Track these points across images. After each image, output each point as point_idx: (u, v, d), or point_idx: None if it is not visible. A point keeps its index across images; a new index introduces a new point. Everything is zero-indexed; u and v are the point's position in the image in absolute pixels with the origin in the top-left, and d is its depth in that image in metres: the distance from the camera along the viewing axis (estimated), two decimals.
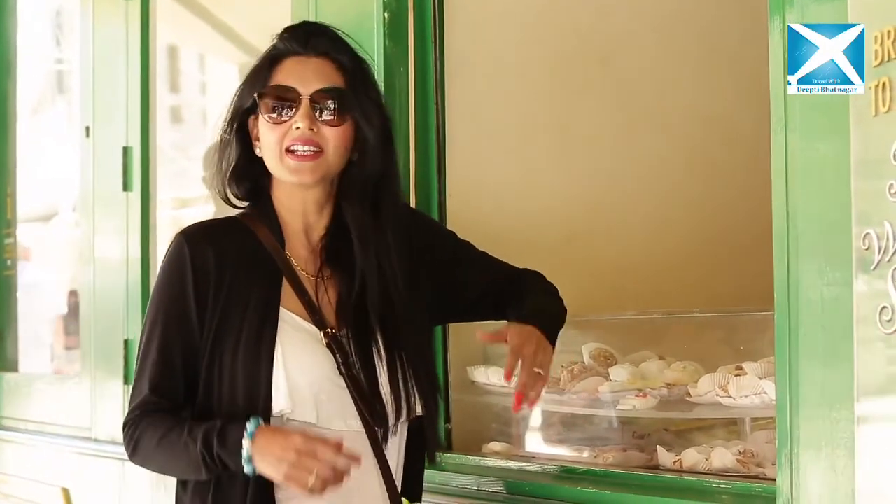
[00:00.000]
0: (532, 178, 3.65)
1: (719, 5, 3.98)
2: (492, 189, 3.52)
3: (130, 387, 4.23)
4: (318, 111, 2.43)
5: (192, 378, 2.44)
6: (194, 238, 2.46)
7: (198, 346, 2.42)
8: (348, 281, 2.49)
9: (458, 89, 3.39)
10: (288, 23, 3.44)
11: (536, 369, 2.49)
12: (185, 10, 5.00)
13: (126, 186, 4.46)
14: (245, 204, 2.57)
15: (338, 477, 2.28)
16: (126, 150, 4.46)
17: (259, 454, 2.30)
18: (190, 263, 2.43)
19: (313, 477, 2.26)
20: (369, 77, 2.53)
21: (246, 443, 2.30)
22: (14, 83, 5.58)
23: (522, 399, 2.48)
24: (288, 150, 2.43)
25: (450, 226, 3.20)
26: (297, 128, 2.41)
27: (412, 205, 3.21)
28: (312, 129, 2.42)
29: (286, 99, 2.44)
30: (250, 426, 2.31)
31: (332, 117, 2.44)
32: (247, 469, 2.31)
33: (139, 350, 2.48)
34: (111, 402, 4.39)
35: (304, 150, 2.42)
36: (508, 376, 2.49)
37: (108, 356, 4.46)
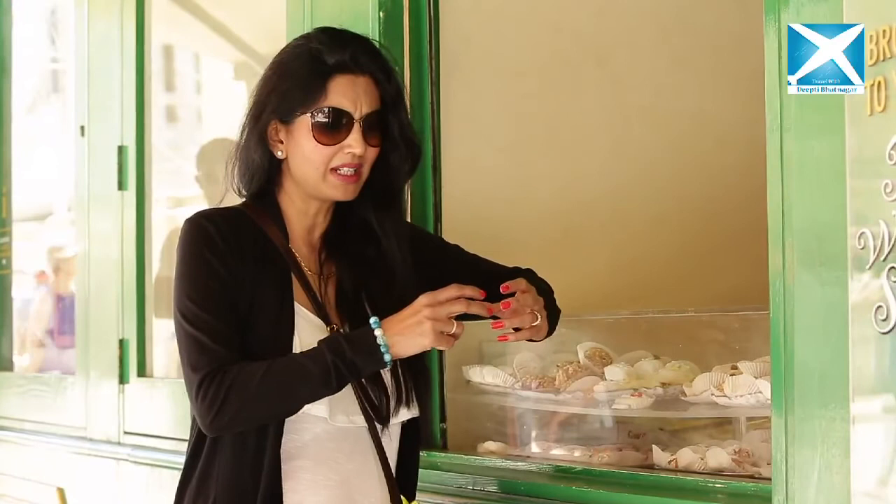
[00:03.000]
0: (527, 177, 3.65)
1: (715, 5, 3.98)
2: (487, 187, 3.52)
3: (126, 386, 4.28)
4: (364, 134, 2.46)
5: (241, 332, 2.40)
6: (211, 217, 2.46)
7: (238, 301, 2.39)
8: (349, 275, 2.51)
9: (454, 88, 3.39)
10: (283, 22, 3.47)
11: (534, 310, 2.46)
12: (179, 9, 4.99)
13: (121, 185, 4.45)
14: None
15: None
16: (121, 149, 4.45)
17: (395, 335, 2.33)
18: (216, 234, 2.41)
19: (454, 326, 2.34)
20: (403, 98, 2.55)
21: (378, 332, 2.33)
22: (9, 82, 5.57)
23: (502, 327, 2.45)
24: (332, 170, 2.45)
25: (445, 224, 3.22)
26: (350, 152, 2.44)
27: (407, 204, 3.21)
28: (363, 155, 2.46)
29: (339, 121, 2.45)
30: (372, 321, 2.34)
31: (374, 140, 2.48)
32: (386, 358, 2.33)
33: (183, 323, 2.38)
34: (106, 401, 4.38)
35: (349, 172, 2.45)
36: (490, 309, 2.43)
37: (103, 355, 4.45)
